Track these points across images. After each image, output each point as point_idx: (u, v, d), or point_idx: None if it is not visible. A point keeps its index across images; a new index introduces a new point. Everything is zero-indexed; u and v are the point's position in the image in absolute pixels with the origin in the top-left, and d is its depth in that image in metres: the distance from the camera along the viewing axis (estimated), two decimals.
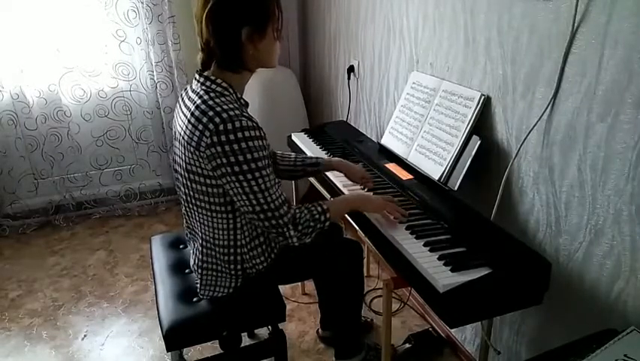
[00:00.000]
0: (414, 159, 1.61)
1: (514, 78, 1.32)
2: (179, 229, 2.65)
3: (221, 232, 1.26)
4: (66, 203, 2.91)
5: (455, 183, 1.42)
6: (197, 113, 1.14)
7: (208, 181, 1.18)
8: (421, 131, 1.61)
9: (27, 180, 2.84)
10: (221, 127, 1.09)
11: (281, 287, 1.45)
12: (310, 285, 2.08)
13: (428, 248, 1.17)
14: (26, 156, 2.78)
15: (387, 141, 1.77)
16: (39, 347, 1.93)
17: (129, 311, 2.13)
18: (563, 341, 1.02)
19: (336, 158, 1.63)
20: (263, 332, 1.88)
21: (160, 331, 1.29)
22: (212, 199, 1.21)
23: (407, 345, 1.79)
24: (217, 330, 1.34)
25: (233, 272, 1.31)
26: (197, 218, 1.27)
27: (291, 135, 2.12)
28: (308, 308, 2.09)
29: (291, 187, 2.12)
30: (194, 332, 1.31)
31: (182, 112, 1.22)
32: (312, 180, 1.78)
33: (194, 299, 1.37)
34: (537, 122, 1.25)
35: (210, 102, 1.14)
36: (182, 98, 1.28)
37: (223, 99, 1.15)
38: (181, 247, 1.63)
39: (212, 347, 1.70)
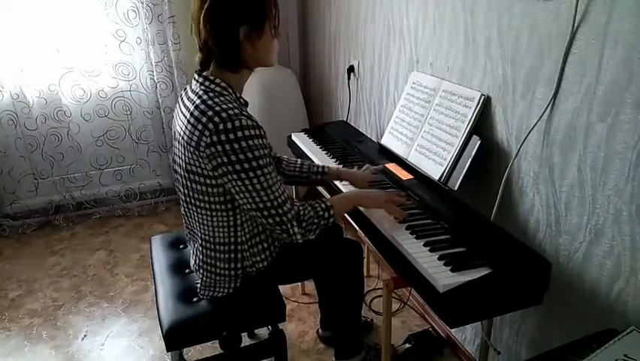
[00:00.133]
0: (414, 159, 1.61)
1: (514, 78, 1.32)
2: (179, 229, 2.65)
3: (221, 231, 1.26)
4: (66, 203, 2.91)
5: (455, 183, 1.42)
6: (196, 113, 1.14)
7: (208, 181, 1.18)
8: (421, 131, 1.61)
9: (27, 180, 2.84)
10: (220, 126, 1.09)
11: (281, 287, 1.45)
12: (310, 285, 2.08)
13: (428, 248, 1.17)
14: (26, 156, 2.78)
15: (387, 141, 1.77)
16: (39, 347, 1.93)
17: (129, 311, 2.13)
18: (563, 341, 1.02)
19: (343, 168, 1.63)
20: (263, 332, 1.88)
21: (160, 331, 1.29)
22: (212, 198, 1.21)
23: (407, 345, 1.79)
24: (217, 330, 1.34)
25: (233, 272, 1.31)
26: (197, 218, 1.27)
27: (291, 135, 2.12)
28: (308, 308, 2.09)
29: (291, 188, 2.12)
30: (194, 332, 1.31)
31: (182, 112, 1.22)
32: None
33: (194, 299, 1.37)
34: (537, 122, 1.25)
35: (209, 102, 1.14)
36: (182, 99, 1.28)
37: (222, 99, 1.15)
38: (181, 247, 1.63)
39: (212, 347, 1.70)
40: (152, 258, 1.60)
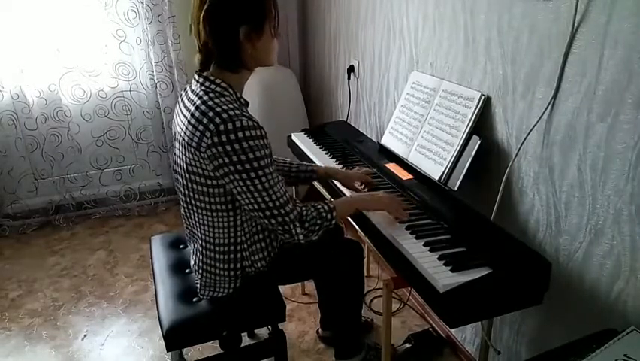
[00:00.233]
0: (414, 159, 1.61)
1: (514, 78, 1.32)
2: (179, 229, 2.65)
3: (221, 231, 1.26)
4: (66, 203, 2.91)
5: (455, 183, 1.42)
6: (197, 114, 1.14)
7: (209, 182, 1.18)
8: (421, 131, 1.61)
9: (27, 180, 2.84)
10: (221, 127, 1.09)
11: (281, 287, 1.45)
12: (310, 285, 2.08)
13: (428, 248, 1.17)
14: (26, 156, 2.78)
15: (387, 140, 1.77)
16: (39, 347, 1.93)
17: (129, 311, 2.13)
18: (563, 341, 1.02)
19: (331, 166, 1.63)
20: (263, 332, 1.88)
21: (160, 331, 1.29)
22: (212, 199, 1.21)
23: (407, 345, 1.79)
24: (217, 330, 1.34)
25: (232, 272, 1.31)
26: (197, 218, 1.27)
27: (291, 135, 2.12)
28: (308, 308, 2.09)
29: (292, 188, 2.12)
30: (194, 332, 1.31)
31: (182, 113, 1.22)
32: None
33: (194, 299, 1.37)
34: (537, 122, 1.25)
35: (210, 102, 1.14)
36: (182, 99, 1.28)
37: (223, 99, 1.15)
38: (181, 247, 1.63)
39: (212, 347, 1.70)
40: (152, 258, 1.60)
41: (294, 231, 1.20)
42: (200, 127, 1.12)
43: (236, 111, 1.12)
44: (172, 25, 2.67)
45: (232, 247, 1.28)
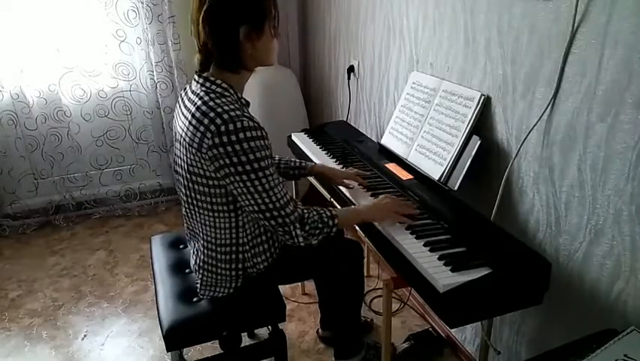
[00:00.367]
0: (414, 159, 1.61)
1: (514, 78, 1.32)
2: (179, 228, 2.65)
3: (223, 232, 1.26)
4: (66, 203, 2.91)
5: (455, 183, 1.42)
6: (197, 114, 1.14)
7: (210, 182, 1.18)
8: (421, 131, 1.61)
9: (27, 180, 2.84)
10: (222, 128, 1.09)
11: (281, 287, 1.45)
12: (310, 285, 2.08)
13: (428, 248, 1.17)
14: (26, 156, 2.78)
15: (387, 140, 1.77)
16: (39, 347, 1.93)
17: (129, 311, 2.13)
18: (563, 341, 1.02)
19: (320, 163, 1.63)
20: (263, 332, 1.88)
21: (160, 331, 1.29)
22: (214, 199, 1.21)
23: (407, 345, 1.79)
24: (217, 330, 1.34)
25: (234, 272, 1.31)
26: (199, 219, 1.27)
27: (291, 135, 2.12)
28: (308, 308, 2.09)
29: (291, 188, 2.12)
30: (194, 332, 1.31)
31: (183, 113, 1.22)
32: (312, 180, 1.78)
33: (194, 299, 1.37)
34: (537, 122, 1.25)
35: (211, 103, 1.14)
36: (182, 99, 1.27)
37: (223, 100, 1.15)
38: (181, 247, 1.63)
39: (212, 347, 1.70)
40: (152, 258, 1.60)
41: (294, 232, 1.20)
42: (201, 128, 1.12)
43: (237, 112, 1.12)
44: (172, 25, 2.67)
45: (234, 248, 1.28)
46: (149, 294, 2.23)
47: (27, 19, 2.50)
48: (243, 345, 1.47)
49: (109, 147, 2.94)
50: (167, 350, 1.31)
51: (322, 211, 1.26)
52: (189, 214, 1.32)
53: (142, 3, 2.61)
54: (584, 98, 1.11)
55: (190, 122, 1.15)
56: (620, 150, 1.05)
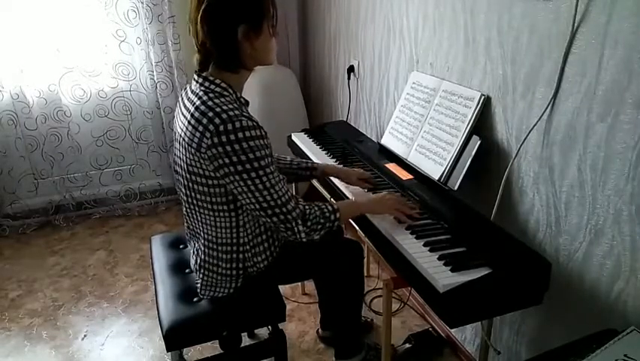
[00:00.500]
0: (414, 159, 1.61)
1: (514, 78, 1.32)
2: (179, 228, 2.65)
3: (224, 231, 1.26)
4: (66, 203, 2.91)
5: (455, 183, 1.42)
6: (196, 114, 1.14)
7: (210, 182, 1.18)
8: (421, 131, 1.61)
9: (27, 180, 2.84)
10: (221, 128, 1.09)
11: (281, 287, 1.45)
12: (310, 285, 2.08)
13: (428, 248, 1.17)
14: (26, 156, 2.78)
15: (387, 141, 1.77)
16: (39, 347, 1.93)
17: (129, 311, 2.13)
18: (563, 341, 1.02)
19: (331, 164, 1.62)
20: (263, 332, 1.88)
21: (160, 331, 1.29)
22: (214, 199, 1.21)
23: (407, 345, 1.79)
24: (217, 330, 1.34)
25: (234, 272, 1.31)
26: (200, 218, 1.27)
27: (291, 135, 2.12)
28: (308, 308, 2.09)
29: (292, 188, 2.12)
30: (194, 332, 1.31)
31: (182, 113, 1.22)
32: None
33: (195, 299, 1.37)
34: (537, 122, 1.25)
35: (210, 103, 1.14)
36: (182, 99, 1.28)
37: (223, 100, 1.15)
38: (181, 247, 1.63)
39: (212, 347, 1.70)
40: (152, 258, 1.60)
41: (296, 229, 1.20)
42: (200, 127, 1.12)
43: (236, 111, 1.12)
44: (172, 25, 2.67)
45: (235, 247, 1.28)
46: (149, 294, 2.23)
47: (27, 19, 2.50)
48: (243, 345, 1.47)
49: (109, 147, 2.94)
50: (167, 350, 1.31)
51: (324, 206, 1.26)
52: (189, 214, 1.32)
53: (142, 3, 2.61)
54: (584, 98, 1.11)
55: (189, 122, 1.15)
56: (620, 150, 1.05)
